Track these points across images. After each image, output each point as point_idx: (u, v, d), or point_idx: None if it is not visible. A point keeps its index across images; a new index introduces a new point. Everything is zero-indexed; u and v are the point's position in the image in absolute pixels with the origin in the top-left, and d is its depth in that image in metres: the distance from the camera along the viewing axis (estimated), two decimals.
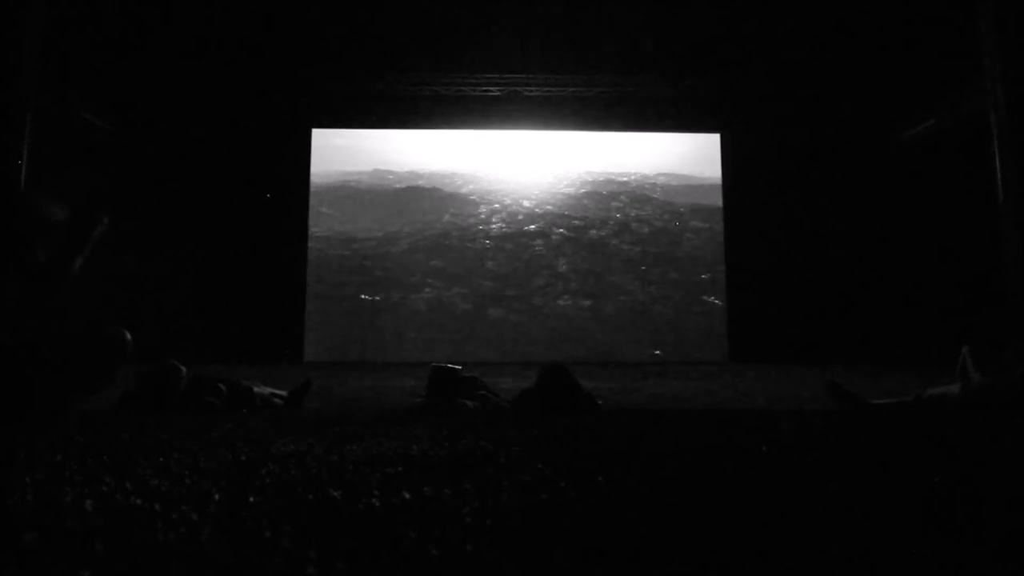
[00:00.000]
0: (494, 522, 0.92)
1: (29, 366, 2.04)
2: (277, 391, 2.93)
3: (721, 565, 0.76)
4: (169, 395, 2.57)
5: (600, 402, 2.90)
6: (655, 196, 9.83)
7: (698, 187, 9.81)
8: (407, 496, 1.06)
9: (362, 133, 9.83)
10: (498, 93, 9.41)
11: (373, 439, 1.72)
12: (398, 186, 9.79)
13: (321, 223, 9.60)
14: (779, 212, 9.25)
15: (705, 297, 9.51)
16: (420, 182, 9.80)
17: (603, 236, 9.70)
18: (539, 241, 9.63)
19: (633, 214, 9.77)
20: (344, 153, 9.79)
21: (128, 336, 2.23)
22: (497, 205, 9.71)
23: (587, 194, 9.80)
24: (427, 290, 9.44)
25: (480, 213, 9.68)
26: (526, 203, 9.73)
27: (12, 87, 5.64)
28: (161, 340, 7.17)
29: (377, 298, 9.41)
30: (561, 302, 9.46)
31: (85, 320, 2.24)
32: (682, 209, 9.77)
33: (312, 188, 9.64)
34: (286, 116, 9.44)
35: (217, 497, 1.04)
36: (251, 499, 1.03)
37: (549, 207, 9.74)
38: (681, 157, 9.89)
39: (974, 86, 6.91)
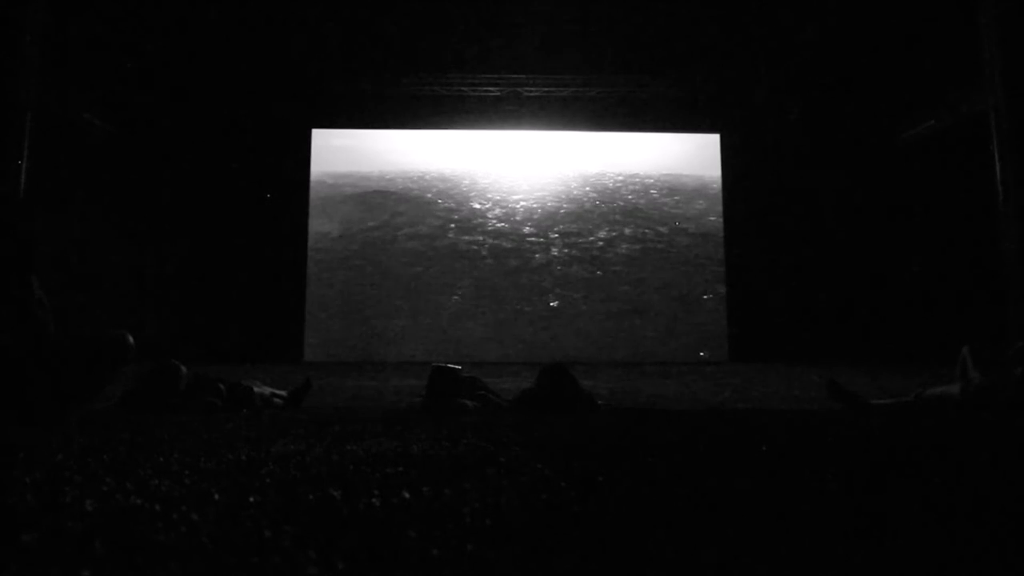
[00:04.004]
0: (494, 522, 0.92)
1: (31, 368, 2.04)
2: (277, 391, 2.93)
3: (721, 565, 0.76)
4: (169, 395, 2.57)
5: (600, 402, 2.90)
6: (655, 196, 9.83)
7: (698, 187, 9.81)
8: (407, 496, 1.06)
9: (362, 133, 9.83)
10: (498, 93, 9.41)
11: (373, 439, 1.72)
12: (398, 186, 9.78)
13: (321, 223, 9.60)
14: (779, 212, 9.25)
15: (705, 297, 9.51)
16: (420, 182, 9.80)
17: (603, 236, 9.70)
18: (539, 241, 9.63)
19: (632, 214, 9.77)
20: (344, 153, 9.80)
21: (131, 339, 2.23)
22: (497, 205, 9.71)
23: (587, 194, 9.80)
24: (427, 290, 9.44)
25: (480, 213, 9.68)
26: (525, 203, 9.73)
27: (12, 87, 5.64)
28: (161, 340, 7.19)
29: (377, 296, 9.41)
30: (561, 302, 9.46)
31: (87, 322, 2.25)
32: (681, 209, 9.77)
33: (312, 188, 9.64)
34: (286, 116, 9.44)
35: (217, 497, 1.04)
36: (251, 499, 1.03)
37: (549, 207, 9.74)
38: (681, 157, 9.89)
39: (974, 86, 6.91)
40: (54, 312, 2.11)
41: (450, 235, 9.63)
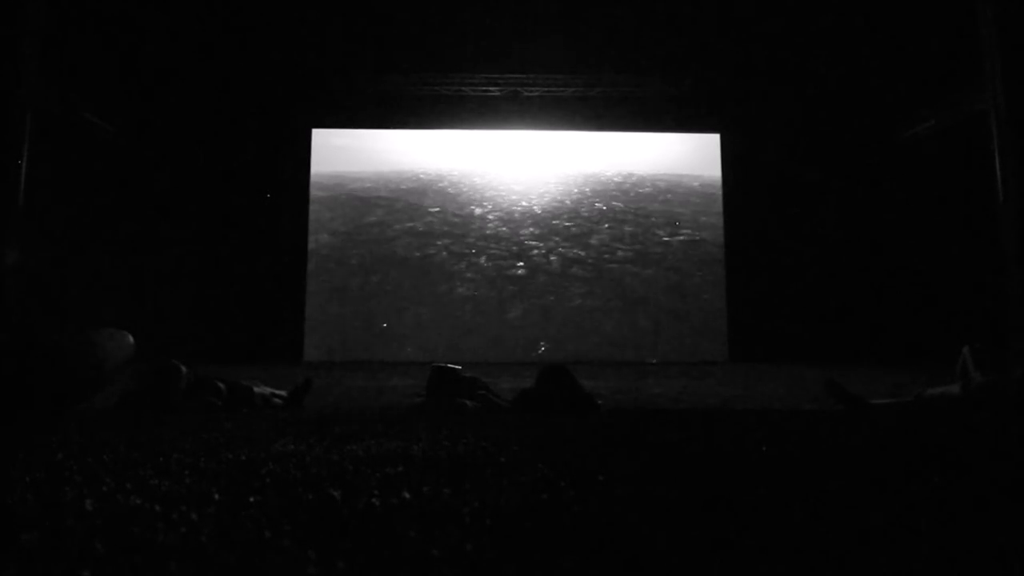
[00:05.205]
0: (494, 522, 0.92)
1: (29, 366, 2.04)
2: (277, 391, 2.93)
3: (721, 565, 0.76)
4: (169, 395, 2.57)
5: (600, 402, 2.89)
6: (654, 196, 9.83)
7: (698, 187, 9.81)
8: (407, 496, 1.06)
9: (362, 133, 9.83)
10: (498, 93, 9.41)
11: (373, 439, 1.72)
12: (398, 186, 9.79)
13: (321, 223, 9.60)
14: (779, 212, 9.25)
15: (705, 297, 9.51)
16: (420, 182, 9.80)
17: (602, 236, 9.70)
18: (539, 241, 9.63)
19: (633, 214, 9.78)
20: (344, 153, 9.80)
21: (131, 338, 2.24)
22: (496, 205, 9.71)
23: (586, 194, 9.80)
24: (427, 289, 9.44)
25: (479, 213, 9.68)
26: (525, 203, 9.73)
27: (12, 87, 5.64)
28: (161, 340, 7.19)
29: (378, 296, 9.41)
30: (560, 302, 9.46)
31: (88, 322, 2.25)
32: (681, 209, 9.78)
33: (312, 188, 9.64)
34: (286, 116, 9.44)
35: (217, 497, 1.04)
36: (251, 499, 1.02)
37: (548, 207, 9.74)
38: (681, 157, 9.89)
39: (974, 86, 6.91)
40: (57, 313, 2.12)
41: (450, 235, 9.63)
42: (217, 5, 7.88)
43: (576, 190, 9.80)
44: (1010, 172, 5.81)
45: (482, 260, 9.56)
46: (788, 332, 8.80)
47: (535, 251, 9.60)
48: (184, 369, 2.66)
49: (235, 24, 8.13)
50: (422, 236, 9.63)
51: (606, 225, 9.72)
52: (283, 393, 2.94)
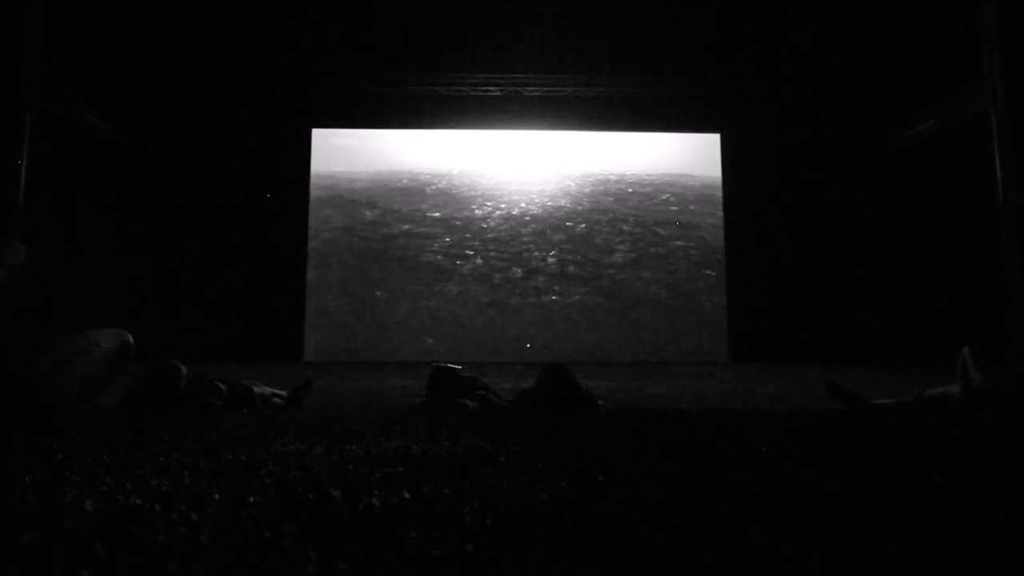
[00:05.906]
0: (494, 522, 0.92)
1: (30, 366, 2.04)
2: (277, 391, 2.93)
3: (721, 565, 0.76)
4: (169, 395, 2.57)
5: (600, 402, 2.89)
6: (654, 196, 9.83)
7: (698, 187, 9.81)
8: (407, 496, 1.06)
9: (362, 133, 9.83)
10: (498, 93, 9.40)
11: (373, 439, 1.72)
12: (397, 186, 9.78)
13: (321, 223, 9.60)
14: (779, 212, 9.25)
15: (705, 297, 9.51)
16: (420, 182, 9.80)
17: (603, 236, 9.70)
18: (539, 241, 9.63)
19: (633, 214, 9.77)
20: (344, 153, 9.80)
21: (130, 339, 2.24)
22: (496, 205, 9.71)
23: (586, 194, 9.80)
24: (427, 289, 9.44)
25: (480, 213, 9.68)
26: (525, 203, 9.73)
27: (12, 87, 5.64)
28: (161, 340, 7.19)
29: (377, 296, 9.41)
30: (560, 302, 9.46)
31: (87, 322, 2.25)
32: (681, 209, 9.77)
33: (312, 188, 9.64)
34: (286, 116, 9.44)
35: (217, 497, 1.04)
36: (251, 499, 1.02)
37: (549, 207, 9.74)
38: (681, 157, 9.89)
39: (974, 86, 6.91)
40: (57, 313, 2.13)
41: (450, 235, 9.63)
42: (217, 5, 7.87)
43: (575, 190, 9.80)
44: (1010, 172, 5.81)
45: (481, 260, 9.56)
46: (788, 332, 8.80)
47: (535, 251, 9.60)
48: (184, 369, 2.66)
49: (235, 24, 8.13)
50: (422, 236, 9.63)
51: (606, 225, 9.72)
52: (283, 393, 2.94)
